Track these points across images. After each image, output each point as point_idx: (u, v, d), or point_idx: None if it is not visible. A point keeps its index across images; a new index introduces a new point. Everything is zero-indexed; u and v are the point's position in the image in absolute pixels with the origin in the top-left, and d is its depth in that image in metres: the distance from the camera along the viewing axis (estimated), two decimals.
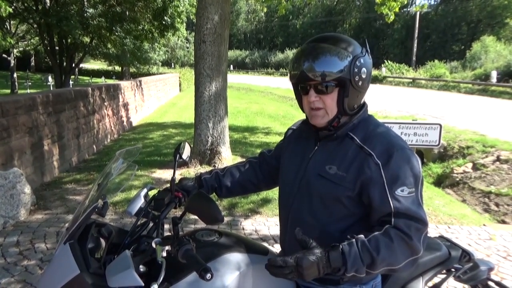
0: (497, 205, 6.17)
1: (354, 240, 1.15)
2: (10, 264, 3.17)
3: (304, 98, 1.29)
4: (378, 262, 1.12)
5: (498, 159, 7.53)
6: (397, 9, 8.95)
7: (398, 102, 16.65)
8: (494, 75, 21.72)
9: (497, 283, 1.79)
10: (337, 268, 1.12)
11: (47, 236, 3.69)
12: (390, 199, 1.17)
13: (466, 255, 1.70)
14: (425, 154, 9.36)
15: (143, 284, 1.10)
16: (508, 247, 3.71)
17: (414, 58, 37.32)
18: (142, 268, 1.18)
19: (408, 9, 45.47)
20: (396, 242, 1.13)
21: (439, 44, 45.19)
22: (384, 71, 31.31)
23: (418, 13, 37.13)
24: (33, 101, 5.13)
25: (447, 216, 4.47)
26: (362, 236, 1.17)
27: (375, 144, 1.23)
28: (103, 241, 1.31)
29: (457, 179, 7.50)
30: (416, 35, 37.55)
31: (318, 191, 1.29)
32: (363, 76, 1.24)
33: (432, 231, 4.02)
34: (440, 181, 7.95)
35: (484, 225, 4.33)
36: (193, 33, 6.13)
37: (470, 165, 7.84)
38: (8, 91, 21.45)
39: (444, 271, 1.71)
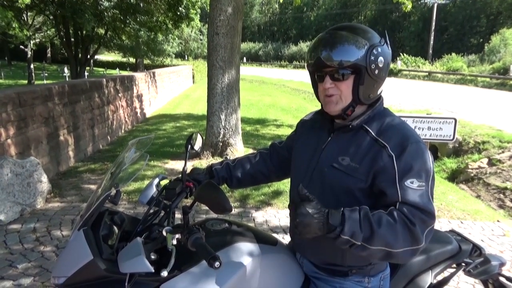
0: None
1: (358, 207, 1.15)
2: (27, 250, 3.27)
3: (320, 85, 1.30)
4: (376, 237, 1.10)
5: None
6: None
7: (413, 96, 16.40)
8: None
9: (508, 278, 1.76)
10: (333, 227, 1.11)
11: (63, 224, 3.78)
12: (398, 188, 1.16)
13: (476, 249, 1.69)
14: (439, 148, 9.23)
15: (153, 271, 1.12)
16: None
17: (430, 51, 36.62)
18: (153, 255, 1.20)
19: (426, 1, 44.53)
20: (398, 223, 1.12)
21: (457, 37, 44.18)
22: (399, 64, 30.79)
23: (435, 5, 36.35)
24: (49, 91, 5.22)
25: (460, 211, 4.42)
26: (367, 207, 1.16)
27: (390, 136, 1.23)
28: (115, 229, 1.33)
29: (472, 175, 7.38)
30: (433, 27, 36.79)
31: (330, 182, 1.30)
32: (380, 65, 1.24)
33: (445, 226, 3.99)
34: (454, 176, 7.84)
35: (498, 221, 4.27)
36: (207, 25, 6.13)
37: (485, 160, 7.70)
38: (25, 81, 21.81)
39: (454, 265, 1.70)
